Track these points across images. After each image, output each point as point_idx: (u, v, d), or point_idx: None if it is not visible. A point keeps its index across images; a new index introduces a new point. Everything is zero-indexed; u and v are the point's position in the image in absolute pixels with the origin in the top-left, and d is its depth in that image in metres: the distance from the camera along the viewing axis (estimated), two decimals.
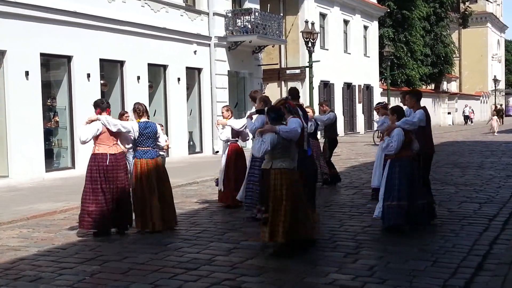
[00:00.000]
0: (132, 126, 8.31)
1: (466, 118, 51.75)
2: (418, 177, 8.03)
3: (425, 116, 8.30)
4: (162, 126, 10.53)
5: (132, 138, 8.36)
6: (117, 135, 8.27)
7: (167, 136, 15.32)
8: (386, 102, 11.63)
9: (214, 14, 21.61)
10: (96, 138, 8.13)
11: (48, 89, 16.14)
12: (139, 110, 8.49)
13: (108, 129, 8.12)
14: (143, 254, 6.98)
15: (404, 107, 8.77)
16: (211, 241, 7.59)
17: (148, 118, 8.64)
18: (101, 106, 8.29)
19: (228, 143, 10.18)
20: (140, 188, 8.27)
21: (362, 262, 6.43)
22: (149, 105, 18.85)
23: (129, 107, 15.77)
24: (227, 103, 21.74)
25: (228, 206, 9.97)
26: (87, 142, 8.14)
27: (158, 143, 8.62)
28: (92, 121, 8.12)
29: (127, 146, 8.55)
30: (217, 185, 10.30)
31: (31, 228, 8.79)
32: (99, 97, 16.74)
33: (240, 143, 10.39)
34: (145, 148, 8.36)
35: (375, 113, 26.55)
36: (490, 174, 14.00)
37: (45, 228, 8.87)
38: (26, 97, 14.54)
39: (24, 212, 9.96)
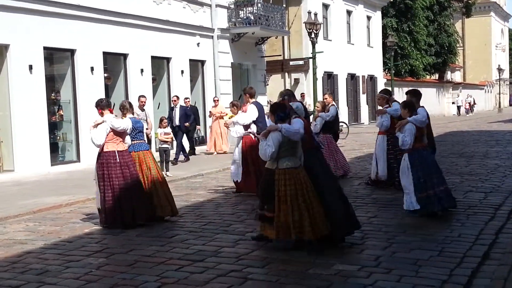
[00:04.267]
0: (127, 123, 8.61)
1: (459, 108, 50.85)
2: (437, 164, 8.50)
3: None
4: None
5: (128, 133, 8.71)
6: (122, 133, 8.50)
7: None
8: (388, 91, 11.47)
9: (217, 5, 21.55)
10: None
11: (52, 83, 16.16)
12: (125, 107, 8.83)
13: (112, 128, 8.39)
14: (149, 247, 7.01)
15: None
16: (217, 233, 7.61)
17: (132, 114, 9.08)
18: (101, 105, 8.54)
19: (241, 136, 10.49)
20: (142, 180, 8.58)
21: (367, 253, 6.44)
22: (153, 98, 18.88)
23: (133, 100, 15.74)
24: (231, 95, 21.79)
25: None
26: (102, 144, 8.32)
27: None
28: (99, 124, 8.32)
29: (127, 142, 8.72)
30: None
31: (38, 222, 8.83)
32: (103, 90, 16.85)
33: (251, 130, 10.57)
34: (139, 141, 8.83)
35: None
36: (495, 163, 13.96)
37: (51, 222, 8.91)
38: (30, 91, 14.57)
39: (30, 206, 10.00)
